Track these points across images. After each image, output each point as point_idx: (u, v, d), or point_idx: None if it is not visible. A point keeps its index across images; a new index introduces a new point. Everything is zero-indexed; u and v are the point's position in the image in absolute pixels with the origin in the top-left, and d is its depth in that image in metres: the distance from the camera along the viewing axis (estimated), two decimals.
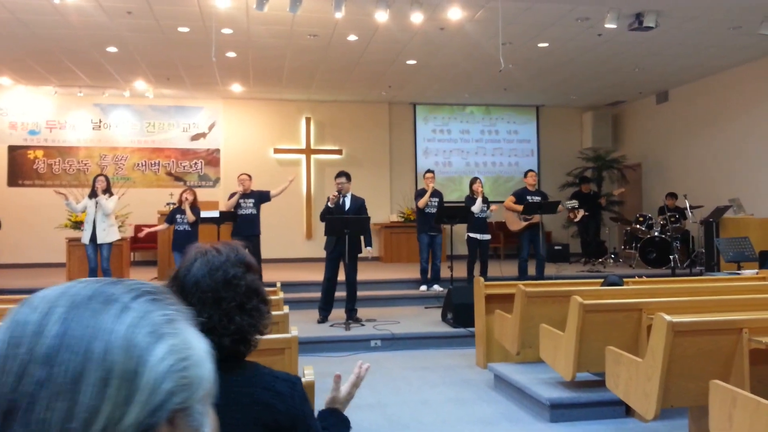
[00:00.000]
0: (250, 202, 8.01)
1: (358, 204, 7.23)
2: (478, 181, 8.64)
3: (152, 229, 8.47)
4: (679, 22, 7.74)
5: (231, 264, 1.46)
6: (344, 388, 1.76)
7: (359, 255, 7.08)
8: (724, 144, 10.44)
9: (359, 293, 7.36)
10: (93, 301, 0.53)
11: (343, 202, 7.16)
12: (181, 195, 8.09)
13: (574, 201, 9.62)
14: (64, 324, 0.51)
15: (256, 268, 1.54)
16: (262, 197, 8.13)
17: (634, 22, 7.45)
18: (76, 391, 0.48)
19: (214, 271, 1.44)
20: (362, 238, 7.09)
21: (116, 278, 0.58)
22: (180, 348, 0.53)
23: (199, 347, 0.55)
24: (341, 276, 7.08)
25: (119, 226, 8.71)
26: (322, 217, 7.14)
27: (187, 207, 7.89)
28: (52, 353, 0.49)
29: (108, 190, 8.04)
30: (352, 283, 7.04)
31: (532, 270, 8.58)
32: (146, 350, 0.51)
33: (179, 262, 8.25)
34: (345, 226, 6.78)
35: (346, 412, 1.76)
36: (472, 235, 8.48)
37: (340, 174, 7.26)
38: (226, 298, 1.42)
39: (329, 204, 7.09)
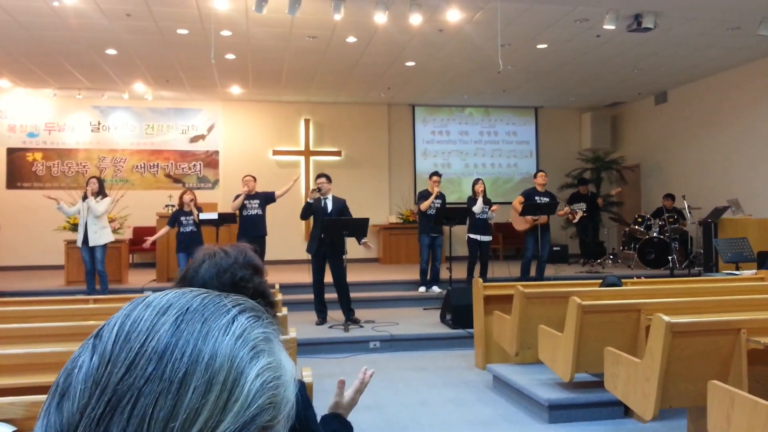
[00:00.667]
0: (255, 203, 8.01)
1: (340, 205, 7.24)
2: (480, 182, 8.65)
3: (156, 236, 8.34)
4: (678, 23, 7.75)
5: (239, 266, 1.46)
6: (348, 394, 1.75)
7: (357, 255, 7.10)
8: (722, 145, 10.45)
9: (357, 294, 7.37)
10: (206, 308, 0.54)
11: (325, 204, 7.16)
12: (181, 197, 8.08)
13: (582, 204, 9.60)
14: (178, 326, 0.52)
15: (264, 270, 1.54)
16: (268, 198, 8.13)
17: (633, 23, 7.46)
18: (182, 391, 0.48)
19: (222, 273, 1.44)
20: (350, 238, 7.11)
21: (222, 293, 0.60)
22: (274, 367, 0.54)
23: (288, 369, 0.57)
24: (328, 277, 7.10)
25: (117, 228, 8.70)
26: (304, 215, 7.17)
27: (193, 207, 7.89)
28: (164, 351, 0.50)
29: (101, 192, 8.00)
30: (341, 283, 7.04)
31: (532, 271, 8.59)
32: (247, 363, 0.52)
33: (184, 263, 8.25)
34: (344, 228, 6.78)
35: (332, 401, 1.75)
36: (472, 236, 8.48)
37: (321, 175, 7.34)
38: None
39: (309, 200, 7.13)
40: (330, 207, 7.17)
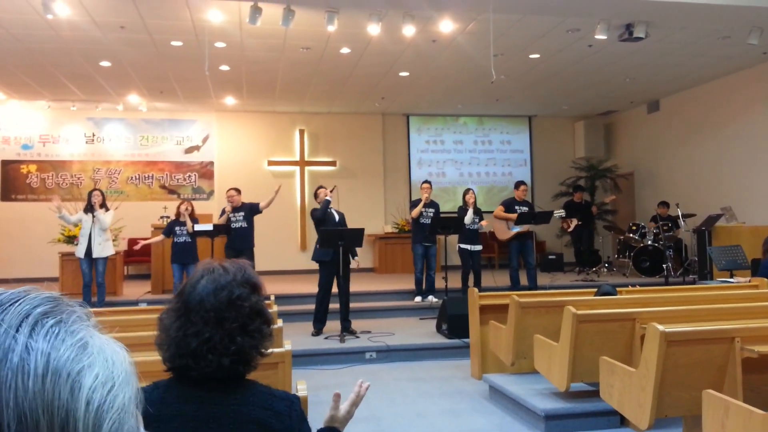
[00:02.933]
0: (240, 215, 7.99)
1: (342, 217, 7.34)
2: (471, 191, 8.68)
3: (148, 241, 8.41)
4: (669, 33, 7.82)
5: (237, 284, 1.45)
6: (344, 407, 1.74)
7: (352, 265, 7.11)
8: (715, 152, 10.52)
9: (353, 305, 7.35)
10: None
11: (333, 213, 7.20)
12: (178, 207, 8.07)
13: (561, 211, 9.72)
14: None
15: (262, 289, 1.53)
16: (253, 210, 8.11)
17: (624, 32, 7.52)
18: None
19: (220, 290, 1.43)
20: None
21: (6, 294, 0.49)
22: (103, 378, 0.47)
23: (119, 362, 0.49)
24: (334, 288, 7.09)
25: (113, 240, 8.66)
26: (321, 216, 7.11)
27: (187, 218, 7.88)
28: None
29: (104, 205, 8.03)
30: (346, 295, 7.03)
31: (524, 280, 8.62)
32: (70, 398, 0.44)
33: (178, 274, 8.22)
34: (340, 238, 6.78)
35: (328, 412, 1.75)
36: (463, 246, 8.51)
37: (322, 187, 7.46)
38: (229, 318, 1.41)
39: (329, 198, 7.13)
40: (337, 217, 7.24)
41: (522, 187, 9.01)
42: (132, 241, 11.02)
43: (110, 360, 0.48)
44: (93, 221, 7.86)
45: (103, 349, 0.48)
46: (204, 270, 1.48)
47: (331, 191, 7.23)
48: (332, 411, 1.73)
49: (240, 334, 1.42)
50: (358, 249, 7.21)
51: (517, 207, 8.73)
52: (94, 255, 7.86)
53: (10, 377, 0.43)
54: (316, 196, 7.44)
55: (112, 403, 0.46)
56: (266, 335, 1.48)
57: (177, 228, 7.93)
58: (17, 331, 0.45)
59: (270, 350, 1.52)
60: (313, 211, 7.25)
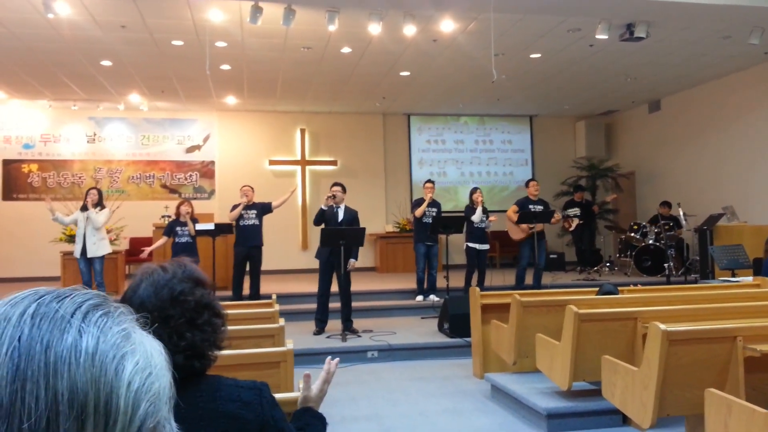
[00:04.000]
0: (253, 213, 8.00)
1: (352, 215, 7.27)
2: (478, 191, 8.66)
3: (153, 246, 8.33)
4: (670, 33, 7.81)
5: (178, 280, 1.44)
6: (315, 386, 1.76)
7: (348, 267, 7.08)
8: (716, 152, 10.51)
9: (355, 304, 7.35)
10: (42, 329, 0.49)
11: (337, 211, 7.19)
12: (178, 208, 8.06)
13: (575, 209, 9.66)
14: (17, 366, 0.46)
15: (208, 282, 1.51)
16: (265, 209, 8.13)
17: (626, 32, 7.52)
18: None
19: (160, 289, 1.42)
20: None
21: (61, 290, 0.54)
22: (143, 365, 0.51)
23: (156, 354, 0.54)
24: (334, 287, 7.09)
25: (114, 239, 8.66)
26: (317, 222, 7.16)
27: (188, 219, 7.88)
28: (11, 405, 0.45)
29: (100, 203, 7.97)
30: (346, 294, 7.04)
31: (529, 279, 8.60)
32: (115, 377, 0.49)
33: None
34: (341, 238, 6.78)
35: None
36: (471, 244, 8.50)
37: (336, 183, 7.37)
38: (173, 315, 1.40)
39: (324, 206, 7.12)
40: (341, 216, 7.19)
41: (532, 184, 8.85)
42: (134, 241, 11.05)
43: (149, 351, 0.53)
44: (86, 221, 7.83)
45: (143, 342, 0.53)
46: (142, 274, 1.46)
47: (327, 198, 7.19)
48: (304, 392, 1.74)
49: (188, 329, 1.40)
50: (360, 248, 7.20)
51: (531, 206, 8.57)
52: (89, 254, 7.82)
53: (65, 354, 0.48)
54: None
55: (149, 387, 0.51)
56: (218, 327, 1.46)
57: (178, 228, 7.92)
58: (72, 316, 0.51)
59: (227, 344, 1.50)
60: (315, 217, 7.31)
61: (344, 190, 7.30)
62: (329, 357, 1.83)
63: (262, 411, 1.43)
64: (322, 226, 7.08)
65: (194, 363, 1.41)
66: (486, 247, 8.60)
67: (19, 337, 0.48)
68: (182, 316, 1.41)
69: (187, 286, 1.44)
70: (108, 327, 0.51)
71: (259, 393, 1.46)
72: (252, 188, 8.17)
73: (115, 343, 0.50)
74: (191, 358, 1.40)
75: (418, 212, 8.49)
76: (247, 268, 7.99)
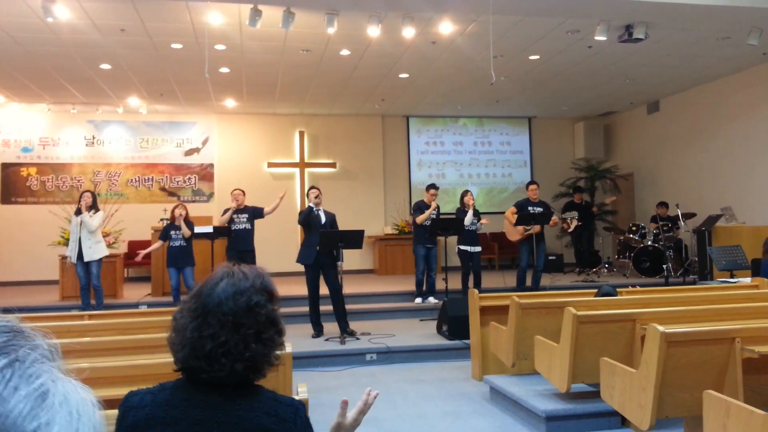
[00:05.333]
0: (244, 217, 7.98)
1: (331, 218, 7.27)
2: (469, 193, 8.66)
3: (148, 250, 8.31)
4: (669, 34, 7.82)
5: (256, 290, 1.45)
6: (350, 415, 1.73)
7: (352, 266, 7.09)
8: (715, 153, 10.52)
9: (353, 306, 7.35)
10: None
11: (319, 214, 7.18)
12: (173, 211, 8.05)
13: (573, 212, 9.66)
14: None
15: (278, 297, 1.53)
16: (256, 213, 8.09)
17: (624, 34, 7.53)
18: None
19: (239, 295, 1.43)
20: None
21: None
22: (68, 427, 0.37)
23: (85, 412, 0.39)
24: (323, 289, 7.09)
25: (113, 243, 8.64)
26: (303, 222, 7.14)
27: (182, 222, 7.86)
28: None
29: (94, 206, 7.88)
30: (337, 295, 7.02)
31: (528, 281, 8.60)
32: None
33: (174, 277, 8.17)
34: (340, 240, 6.78)
35: (329, 415, 1.74)
36: (462, 247, 8.50)
37: (314, 187, 7.42)
38: (245, 324, 1.41)
39: (312, 205, 7.14)
40: (323, 219, 7.20)
41: (532, 187, 8.85)
42: (132, 244, 11.04)
43: (75, 413, 0.38)
44: (81, 224, 7.79)
45: (68, 399, 0.38)
46: (224, 273, 1.48)
47: (316, 198, 7.20)
48: (339, 418, 1.72)
49: (255, 341, 1.42)
50: (358, 250, 7.20)
51: (530, 207, 8.56)
52: (85, 258, 7.75)
53: None
54: (307, 195, 7.49)
55: None
56: (278, 345, 1.48)
57: (172, 232, 7.91)
58: None
59: (277, 363, 1.52)
60: (299, 215, 7.29)
61: (320, 192, 7.38)
62: (368, 388, 1.80)
63: (294, 428, 1.43)
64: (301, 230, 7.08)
65: (249, 375, 1.43)
66: (478, 249, 8.58)
67: None
68: (252, 327, 1.41)
69: (262, 298, 1.45)
70: (12, 388, 0.35)
71: (296, 411, 1.46)
72: (243, 192, 8.12)
73: (21, 412, 0.35)
74: (249, 369, 1.42)
75: (420, 220, 8.48)
76: None
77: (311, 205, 7.17)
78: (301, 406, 1.49)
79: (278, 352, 1.50)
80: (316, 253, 6.93)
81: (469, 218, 8.36)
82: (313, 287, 7.08)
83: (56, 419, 0.36)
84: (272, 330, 1.46)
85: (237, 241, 7.87)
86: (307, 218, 7.13)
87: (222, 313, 1.40)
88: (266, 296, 1.47)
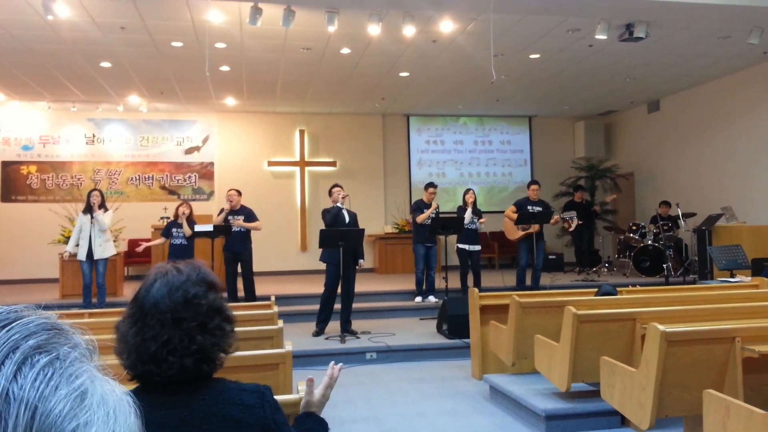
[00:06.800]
0: (240, 219, 7.95)
1: (354, 217, 7.26)
2: (470, 191, 8.66)
3: (150, 243, 8.41)
4: (669, 33, 7.82)
5: (192, 283, 1.44)
6: (318, 391, 1.75)
7: (362, 265, 7.10)
8: (715, 152, 10.52)
9: (354, 305, 7.34)
10: None
11: (343, 213, 7.15)
12: (177, 209, 8.05)
13: (572, 212, 9.66)
14: None
15: (220, 286, 1.52)
16: (251, 216, 8.05)
17: (625, 32, 7.52)
18: None
19: (174, 291, 1.42)
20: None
21: None
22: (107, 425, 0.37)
23: (121, 413, 0.39)
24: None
25: (113, 241, 8.63)
26: (330, 223, 7.05)
27: (184, 221, 7.87)
28: None
29: (102, 205, 7.97)
30: (351, 294, 7.02)
31: (528, 280, 8.60)
32: None
33: None
34: (340, 239, 6.78)
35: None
36: (461, 245, 8.49)
37: (338, 185, 7.35)
38: (186, 318, 1.40)
39: (339, 205, 7.08)
40: (347, 218, 7.17)
41: (533, 187, 8.85)
42: (132, 242, 11.04)
43: (113, 414, 0.38)
44: (92, 223, 7.82)
45: (105, 400, 0.38)
46: (157, 273, 1.46)
47: (343, 198, 7.17)
48: (307, 396, 1.74)
49: (199, 332, 1.41)
50: (365, 250, 7.19)
51: (530, 207, 8.57)
52: (96, 256, 7.81)
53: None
54: (330, 193, 7.37)
55: None
56: (228, 332, 1.47)
57: (174, 230, 7.92)
58: (7, 369, 0.34)
59: (234, 349, 1.50)
60: (324, 214, 7.20)
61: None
62: (332, 362, 1.82)
63: (263, 414, 1.43)
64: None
65: (203, 366, 1.42)
66: (477, 248, 8.58)
67: None
68: (194, 320, 1.41)
69: (200, 289, 1.45)
70: (53, 387, 0.35)
71: (261, 396, 1.45)
72: (239, 192, 8.09)
73: (61, 412, 0.34)
74: (200, 361, 1.41)
75: (420, 219, 8.47)
76: (240, 271, 7.95)
77: (339, 204, 7.10)
78: (267, 391, 1.48)
79: (231, 340, 1.48)
80: (340, 252, 6.89)
81: (468, 216, 8.36)
82: (334, 285, 7.02)
83: (94, 420, 0.36)
84: (218, 318, 1.45)
85: (233, 242, 7.84)
86: (336, 218, 7.08)
87: (159, 312, 1.39)
88: (205, 287, 1.46)
